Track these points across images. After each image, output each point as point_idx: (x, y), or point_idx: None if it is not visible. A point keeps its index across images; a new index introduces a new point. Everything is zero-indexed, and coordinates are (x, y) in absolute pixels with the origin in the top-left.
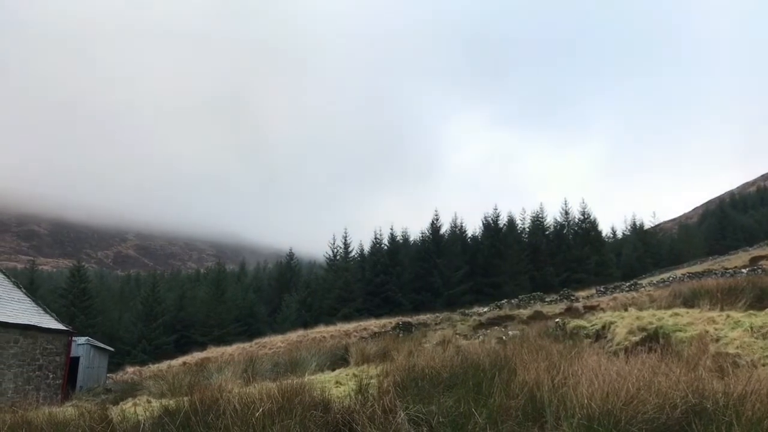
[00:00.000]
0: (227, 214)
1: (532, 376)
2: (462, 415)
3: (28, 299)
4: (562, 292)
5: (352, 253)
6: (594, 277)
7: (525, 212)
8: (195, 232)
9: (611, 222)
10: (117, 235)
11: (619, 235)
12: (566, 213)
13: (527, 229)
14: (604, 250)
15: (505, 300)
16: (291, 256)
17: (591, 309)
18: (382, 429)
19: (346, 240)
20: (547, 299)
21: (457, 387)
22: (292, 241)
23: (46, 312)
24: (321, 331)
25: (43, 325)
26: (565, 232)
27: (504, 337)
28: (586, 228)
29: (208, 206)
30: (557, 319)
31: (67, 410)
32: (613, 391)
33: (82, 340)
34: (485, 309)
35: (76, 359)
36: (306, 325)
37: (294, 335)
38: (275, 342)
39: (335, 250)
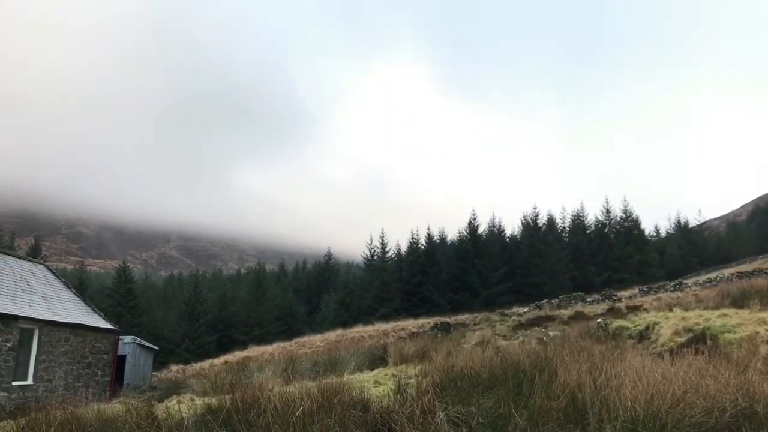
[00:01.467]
0: (265, 215)
1: (574, 377)
2: (502, 416)
3: (78, 299)
4: (603, 292)
5: (389, 253)
6: (636, 276)
7: (565, 211)
8: (235, 233)
9: (654, 220)
10: (160, 237)
11: (663, 233)
12: (607, 211)
13: (567, 228)
14: (647, 249)
15: (545, 300)
16: (329, 256)
17: (634, 309)
18: (421, 429)
19: (383, 240)
20: (588, 299)
21: (496, 388)
22: (330, 242)
23: (95, 311)
24: (359, 330)
25: (91, 324)
26: (606, 230)
27: (544, 338)
28: (629, 226)
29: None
30: (599, 320)
31: (115, 407)
32: (658, 394)
33: (128, 338)
34: (525, 309)
35: (123, 357)
36: (344, 324)
37: (333, 335)
38: (314, 341)
39: (372, 251)
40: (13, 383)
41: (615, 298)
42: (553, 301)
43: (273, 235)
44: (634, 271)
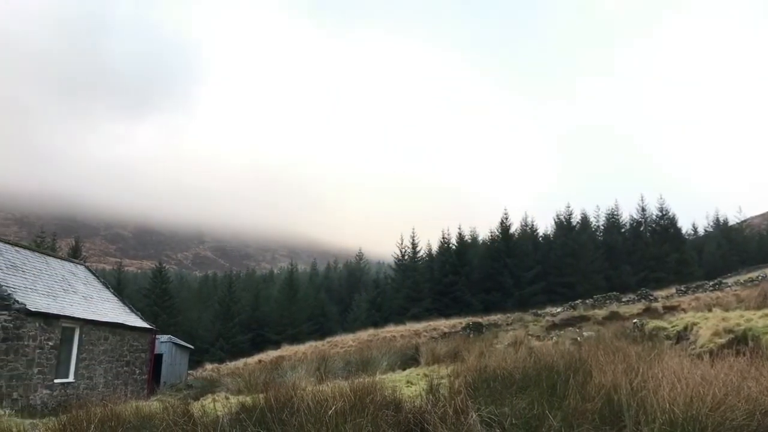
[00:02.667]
0: (298, 215)
1: (609, 378)
2: (535, 417)
3: (116, 299)
4: (639, 292)
5: (420, 253)
6: (674, 276)
7: (599, 209)
8: (268, 234)
9: (692, 218)
10: (195, 238)
11: (701, 231)
12: (643, 210)
13: (602, 227)
14: (684, 247)
15: (579, 300)
16: (360, 256)
17: (671, 309)
18: (453, 430)
19: (413, 240)
20: (623, 299)
21: (530, 389)
22: (361, 242)
23: (132, 311)
24: (391, 330)
25: (129, 324)
26: (642, 229)
27: (578, 338)
28: (665, 225)
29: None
30: (635, 320)
31: (153, 404)
32: (697, 396)
33: (164, 338)
34: (558, 309)
35: (160, 356)
36: (376, 324)
37: (364, 334)
38: (346, 341)
39: (403, 250)
40: (56, 381)
41: (651, 298)
42: (587, 301)
43: (305, 235)
44: (671, 271)
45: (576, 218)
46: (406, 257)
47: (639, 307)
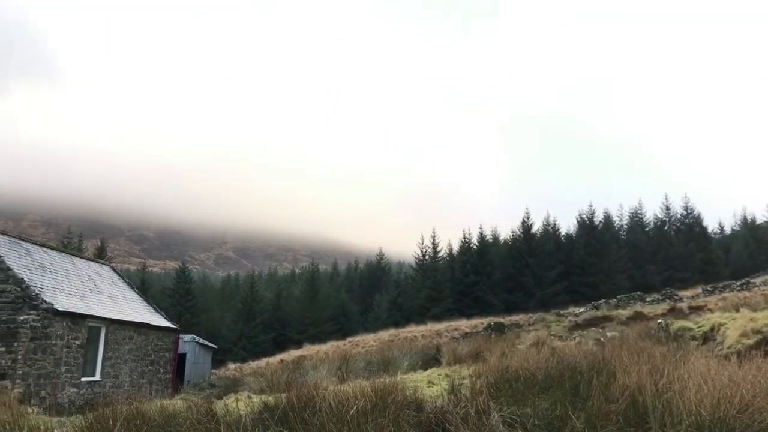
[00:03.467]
0: (319, 216)
1: (634, 379)
2: (558, 419)
3: (140, 299)
4: (664, 292)
5: (441, 253)
6: (699, 275)
7: (622, 209)
8: (289, 234)
9: (718, 217)
10: (217, 238)
11: (728, 230)
12: (667, 208)
13: (625, 226)
14: (710, 247)
15: (603, 300)
16: (381, 256)
17: (697, 309)
18: (475, 430)
19: (434, 240)
20: (647, 299)
21: (552, 389)
22: (381, 242)
23: (156, 311)
24: (412, 330)
25: (154, 323)
26: (666, 228)
27: (602, 339)
28: (690, 224)
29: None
30: (660, 320)
31: (177, 403)
32: (725, 398)
33: (188, 337)
34: (581, 309)
35: (183, 355)
36: (397, 324)
37: (386, 334)
38: (367, 341)
39: (424, 250)
40: (83, 379)
41: (676, 298)
42: (610, 301)
43: (325, 235)
44: (696, 270)
45: (599, 217)
46: (426, 257)
47: (664, 307)
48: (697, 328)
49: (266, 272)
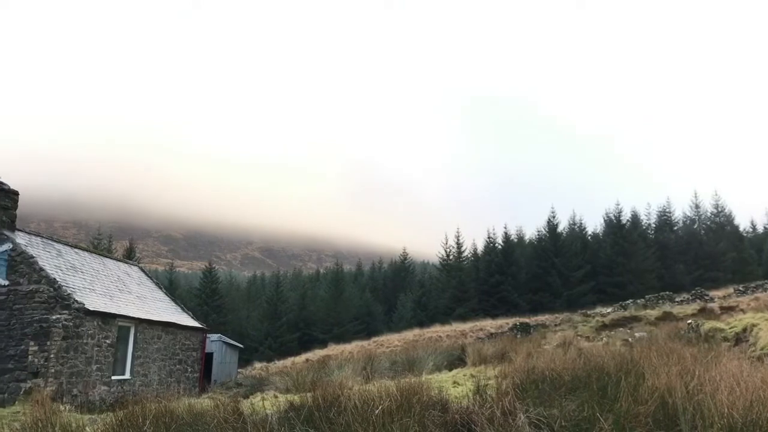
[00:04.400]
0: (342, 216)
1: (663, 381)
2: (586, 420)
3: (168, 298)
4: (694, 292)
5: (465, 253)
6: (731, 275)
7: (650, 207)
8: (313, 234)
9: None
10: (243, 239)
11: (760, 229)
12: (697, 207)
13: (653, 225)
14: (742, 245)
15: (630, 300)
16: (405, 255)
17: (728, 310)
18: (501, 431)
19: (458, 239)
20: (677, 299)
21: (579, 390)
22: (405, 241)
23: (184, 310)
24: (437, 330)
25: (181, 323)
26: (696, 227)
27: (630, 339)
28: (721, 222)
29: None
30: (689, 321)
31: (204, 402)
32: (758, 400)
33: (215, 336)
34: (608, 310)
35: (210, 355)
36: (421, 324)
37: (410, 334)
38: (392, 341)
39: (448, 250)
40: (113, 377)
41: (707, 298)
42: (638, 301)
43: (349, 235)
44: (728, 270)
45: (626, 216)
46: (451, 257)
47: (694, 307)
48: (729, 329)
49: (291, 272)
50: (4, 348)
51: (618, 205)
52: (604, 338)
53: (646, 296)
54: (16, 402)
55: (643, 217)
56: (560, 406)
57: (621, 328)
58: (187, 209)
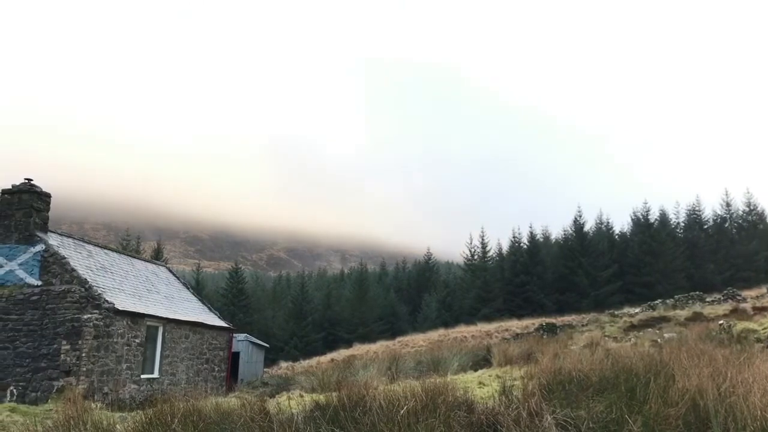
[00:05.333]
0: (365, 215)
1: (694, 382)
2: (614, 422)
3: (195, 298)
4: (725, 292)
5: (490, 253)
6: (764, 275)
7: (679, 206)
8: (337, 235)
9: None
10: (269, 239)
11: None
12: (728, 205)
13: (682, 224)
14: None
15: (659, 300)
16: (429, 256)
17: (762, 310)
18: None
19: (483, 239)
20: (707, 299)
21: (607, 392)
22: (429, 242)
23: (211, 310)
24: (462, 331)
25: (208, 323)
26: (727, 225)
27: (659, 340)
28: (753, 221)
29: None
30: (721, 322)
31: (231, 401)
32: None
33: (241, 336)
34: (636, 310)
35: (237, 354)
36: (446, 324)
37: (435, 334)
38: (417, 341)
39: (472, 250)
40: (142, 376)
41: (739, 298)
42: (667, 302)
43: (373, 236)
44: (761, 269)
45: (654, 215)
46: (475, 257)
47: (725, 308)
48: (762, 330)
49: (316, 272)
50: (37, 347)
51: (646, 203)
52: (632, 339)
53: (676, 296)
54: (49, 400)
55: (671, 216)
56: (587, 408)
57: (649, 329)
58: (212, 210)
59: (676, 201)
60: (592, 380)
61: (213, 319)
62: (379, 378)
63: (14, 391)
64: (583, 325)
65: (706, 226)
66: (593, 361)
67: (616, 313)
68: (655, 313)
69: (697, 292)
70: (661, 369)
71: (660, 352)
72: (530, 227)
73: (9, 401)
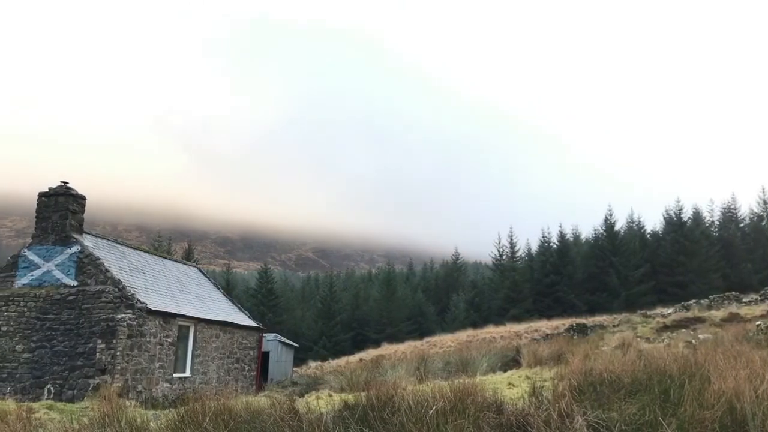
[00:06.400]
0: (394, 216)
1: (730, 384)
2: (647, 424)
3: (226, 299)
4: (763, 292)
5: (519, 253)
6: None
7: (713, 204)
8: (365, 235)
9: None
10: (297, 239)
11: None
12: (765, 203)
13: (716, 223)
14: None
15: (693, 300)
16: (456, 256)
17: None
18: None
19: (512, 239)
20: (744, 299)
21: (639, 394)
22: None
23: (241, 310)
24: (490, 331)
25: (238, 322)
26: (764, 224)
27: (693, 341)
28: None
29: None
30: (758, 322)
31: (261, 400)
32: None
33: (271, 336)
34: (669, 310)
35: (267, 353)
36: (475, 325)
37: (463, 335)
38: (445, 341)
39: (501, 250)
40: (174, 375)
41: None
42: (702, 302)
43: (401, 236)
44: None
45: (687, 213)
46: (503, 257)
47: (763, 308)
48: None
49: (344, 273)
50: (73, 346)
51: (678, 202)
52: (666, 340)
53: (710, 296)
54: (85, 398)
55: (705, 215)
56: (620, 410)
57: (683, 330)
58: (242, 211)
59: (710, 199)
60: (624, 382)
61: (243, 319)
62: (408, 378)
63: (51, 389)
64: (614, 326)
65: (742, 225)
66: (625, 362)
67: (648, 313)
68: (689, 314)
69: (733, 293)
70: (696, 371)
71: (694, 354)
72: (560, 226)
73: (46, 399)
